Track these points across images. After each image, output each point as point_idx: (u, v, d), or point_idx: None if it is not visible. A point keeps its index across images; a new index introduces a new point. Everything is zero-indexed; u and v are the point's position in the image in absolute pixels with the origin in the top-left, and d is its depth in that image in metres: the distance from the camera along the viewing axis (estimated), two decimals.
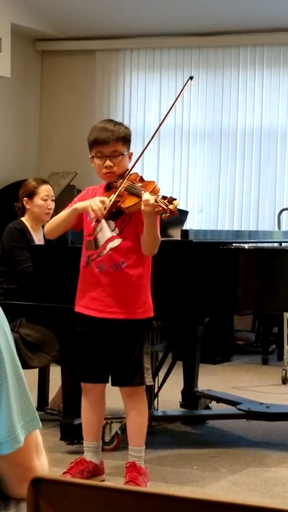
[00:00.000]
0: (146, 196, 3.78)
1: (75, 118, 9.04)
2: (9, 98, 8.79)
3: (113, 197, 3.89)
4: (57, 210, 4.99)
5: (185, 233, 4.77)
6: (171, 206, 3.67)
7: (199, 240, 4.88)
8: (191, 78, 4.28)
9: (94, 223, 3.92)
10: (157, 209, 3.71)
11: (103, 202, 3.86)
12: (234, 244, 4.93)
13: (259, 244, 5.42)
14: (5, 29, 8.04)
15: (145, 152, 4.17)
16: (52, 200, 5.21)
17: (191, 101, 8.62)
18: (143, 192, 3.83)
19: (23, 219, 5.21)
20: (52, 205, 5.19)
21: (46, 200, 5.15)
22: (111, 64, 8.95)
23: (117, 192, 3.92)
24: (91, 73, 9.00)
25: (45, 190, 5.17)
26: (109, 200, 3.88)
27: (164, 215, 3.71)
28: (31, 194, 5.16)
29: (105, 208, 3.85)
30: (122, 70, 8.94)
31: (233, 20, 8.17)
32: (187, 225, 6.04)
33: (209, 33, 8.44)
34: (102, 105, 8.94)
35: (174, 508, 1.24)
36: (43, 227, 5.26)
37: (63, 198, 5.44)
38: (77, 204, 4.01)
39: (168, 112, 4.14)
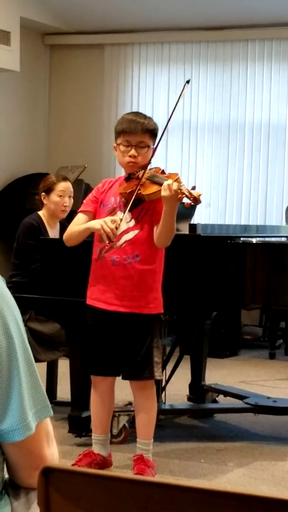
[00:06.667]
0: (169, 181, 3.79)
1: (83, 112, 9.04)
2: (18, 92, 8.79)
3: (123, 215, 3.90)
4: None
5: (193, 227, 4.78)
6: (194, 193, 3.69)
7: (207, 234, 4.88)
8: (187, 82, 4.28)
9: (108, 243, 3.91)
10: (179, 195, 3.72)
11: (114, 222, 3.87)
12: (241, 239, 4.94)
13: (266, 239, 5.43)
14: (14, 23, 8.04)
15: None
16: (70, 197, 5.22)
17: (199, 95, 8.61)
18: (166, 180, 3.83)
19: (40, 213, 5.22)
20: (68, 202, 5.19)
21: (61, 196, 5.16)
22: (120, 58, 8.95)
23: (139, 182, 3.94)
24: (100, 67, 8.99)
25: (62, 187, 5.17)
26: (120, 219, 3.89)
27: (187, 202, 3.72)
28: (48, 190, 5.18)
29: (116, 228, 3.86)
30: (131, 64, 8.93)
31: (241, 14, 8.15)
32: (194, 219, 6.04)
33: (217, 27, 8.43)
34: (110, 99, 8.94)
35: (181, 498, 1.25)
36: (60, 222, 5.28)
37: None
38: (90, 224, 3.99)
39: (170, 117, 4.10)
